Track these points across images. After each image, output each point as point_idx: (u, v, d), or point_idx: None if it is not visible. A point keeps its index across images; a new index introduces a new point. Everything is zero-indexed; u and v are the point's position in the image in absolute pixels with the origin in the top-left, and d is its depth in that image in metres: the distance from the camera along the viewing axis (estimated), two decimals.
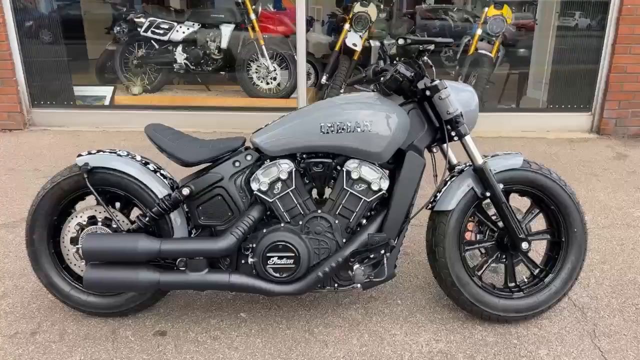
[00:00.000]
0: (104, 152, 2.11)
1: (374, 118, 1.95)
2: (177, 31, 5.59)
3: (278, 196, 2.03)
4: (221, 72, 5.83)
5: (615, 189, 3.70)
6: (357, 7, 5.44)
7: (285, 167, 2.01)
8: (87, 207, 2.15)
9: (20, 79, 5.06)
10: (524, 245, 2.08)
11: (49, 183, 2.11)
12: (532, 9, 5.76)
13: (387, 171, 2.10)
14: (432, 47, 1.96)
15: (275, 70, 5.51)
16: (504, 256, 2.19)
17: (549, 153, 4.50)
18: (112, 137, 4.97)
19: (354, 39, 5.46)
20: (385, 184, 2.03)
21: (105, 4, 6.00)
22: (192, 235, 2.13)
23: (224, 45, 5.59)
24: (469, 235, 2.21)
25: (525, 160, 2.11)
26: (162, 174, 2.13)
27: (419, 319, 2.22)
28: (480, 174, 2.04)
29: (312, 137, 1.97)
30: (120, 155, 2.10)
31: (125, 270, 1.95)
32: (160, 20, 5.61)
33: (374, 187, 2.01)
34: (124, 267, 1.96)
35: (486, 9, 5.26)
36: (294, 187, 2.03)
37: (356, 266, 1.99)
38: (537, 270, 2.22)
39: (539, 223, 2.34)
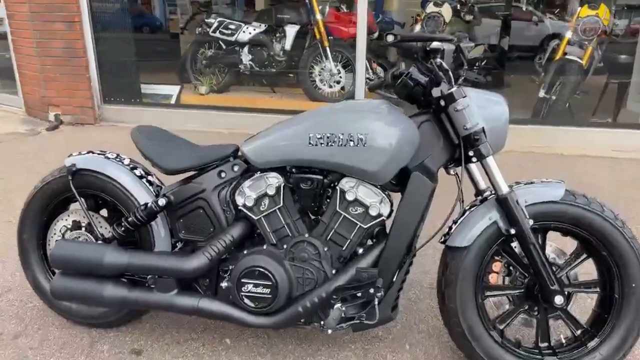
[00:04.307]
0: (93, 153, 2.00)
1: (371, 130, 1.63)
2: (244, 32, 5.55)
3: (264, 213, 1.79)
4: (285, 74, 5.70)
5: None
6: (430, 7, 5.07)
7: (273, 181, 1.76)
8: (74, 210, 2.05)
9: (94, 75, 5.28)
10: (558, 299, 1.65)
11: (40, 182, 2.04)
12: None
13: (392, 194, 1.78)
14: (440, 46, 1.61)
15: (339, 73, 5.27)
16: (535, 308, 1.76)
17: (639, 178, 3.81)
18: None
19: None
20: (386, 209, 1.71)
21: (176, 5, 6.14)
22: (175, 250, 1.95)
23: (287, 46, 5.46)
24: (494, 278, 1.81)
25: (568, 192, 1.68)
26: (148, 180, 1.97)
27: None
28: (504, 205, 1.65)
29: (299, 148, 1.70)
30: (108, 158, 1.98)
31: (92, 283, 1.81)
32: (228, 20, 5.60)
33: (372, 212, 1.70)
34: (92, 279, 1.82)
35: (579, 9, 4.62)
36: (282, 204, 1.77)
37: (337, 305, 1.68)
38: (579, 331, 1.76)
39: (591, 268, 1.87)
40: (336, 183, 1.73)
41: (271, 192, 1.76)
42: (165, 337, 2.06)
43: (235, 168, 1.85)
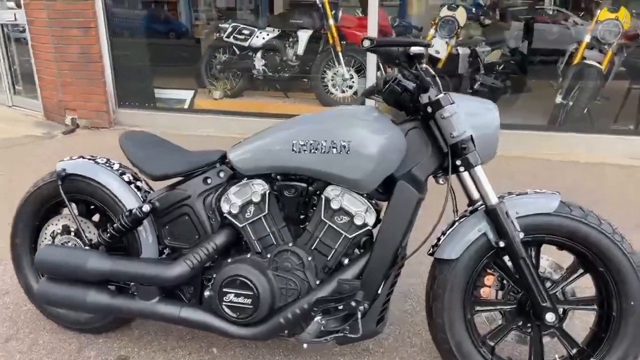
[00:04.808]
0: (84, 158, 2.00)
1: (354, 137, 1.58)
2: (257, 37, 5.56)
3: (249, 221, 1.75)
4: (298, 79, 5.68)
5: None
6: (444, 11, 4.98)
7: (258, 188, 1.73)
8: (65, 214, 2.05)
9: (109, 80, 5.34)
10: (550, 316, 1.57)
11: (32, 187, 2.05)
12: None
13: (381, 203, 1.73)
14: (422, 50, 1.54)
15: (352, 78, 5.22)
16: (529, 325, 1.68)
17: None
18: (185, 139, 5.03)
19: (437, 46, 4.98)
20: (371, 219, 1.66)
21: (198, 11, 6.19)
22: (162, 256, 1.93)
23: (300, 51, 5.44)
24: (486, 292, 1.73)
25: (564, 203, 1.60)
26: (137, 186, 1.96)
27: None
28: (493, 216, 1.57)
29: (282, 155, 1.66)
30: (98, 163, 1.97)
31: (76, 289, 1.80)
32: (242, 25, 5.61)
33: (357, 222, 1.65)
34: (76, 284, 1.81)
35: (598, 11, 4.47)
36: (267, 212, 1.74)
37: (317, 317, 1.63)
38: (574, 350, 1.67)
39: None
40: (321, 191, 1.69)
41: (256, 199, 1.73)
42: (152, 344, 2.04)
43: (221, 174, 1.82)
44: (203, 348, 2.01)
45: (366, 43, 1.46)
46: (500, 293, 1.74)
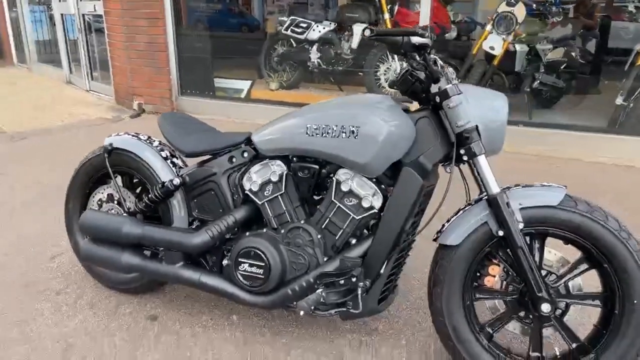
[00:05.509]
0: (129, 134, 2.22)
1: (362, 123, 1.67)
2: (314, 30, 5.69)
3: (267, 199, 1.89)
4: (351, 73, 5.76)
5: None
6: (502, 7, 4.86)
7: (277, 168, 1.86)
8: (111, 185, 2.28)
9: (173, 69, 5.69)
10: (545, 307, 1.58)
11: (84, 159, 2.29)
12: None
13: (391, 188, 1.80)
14: (425, 41, 1.59)
15: None
16: (529, 316, 1.70)
17: None
18: (238, 127, 5.28)
19: (492, 42, 4.89)
20: (377, 203, 1.74)
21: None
22: (191, 227, 2.11)
23: (354, 45, 5.51)
24: (491, 282, 1.76)
25: (569, 197, 1.60)
26: (173, 162, 2.15)
27: None
28: (494, 206, 1.61)
29: (297, 138, 1.78)
30: (140, 139, 2.18)
31: (112, 250, 2.02)
32: (300, 19, 5.77)
33: (365, 204, 1.74)
34: (113, 246, 2.02)
35: None
36: (283, 191, 1.86)
37: (319, 290, 1.73)
38: (574, 345, 1.67)
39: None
40: (333, 174, 1.79)
41: (275, 178, 1.85)
42: (180, 308, 2.23)
43: (245, 154, 1.97)
44: (224, 315, 2.18)
45: (367, 32, 1.53)
46: (504, 283, 1.76)
